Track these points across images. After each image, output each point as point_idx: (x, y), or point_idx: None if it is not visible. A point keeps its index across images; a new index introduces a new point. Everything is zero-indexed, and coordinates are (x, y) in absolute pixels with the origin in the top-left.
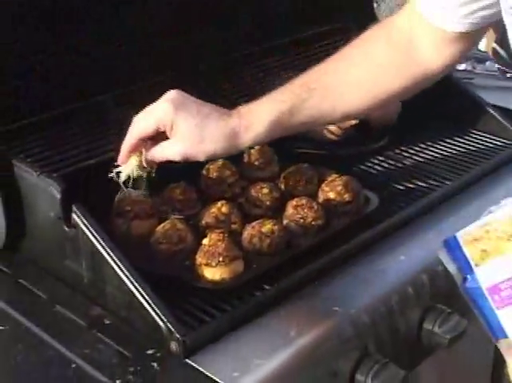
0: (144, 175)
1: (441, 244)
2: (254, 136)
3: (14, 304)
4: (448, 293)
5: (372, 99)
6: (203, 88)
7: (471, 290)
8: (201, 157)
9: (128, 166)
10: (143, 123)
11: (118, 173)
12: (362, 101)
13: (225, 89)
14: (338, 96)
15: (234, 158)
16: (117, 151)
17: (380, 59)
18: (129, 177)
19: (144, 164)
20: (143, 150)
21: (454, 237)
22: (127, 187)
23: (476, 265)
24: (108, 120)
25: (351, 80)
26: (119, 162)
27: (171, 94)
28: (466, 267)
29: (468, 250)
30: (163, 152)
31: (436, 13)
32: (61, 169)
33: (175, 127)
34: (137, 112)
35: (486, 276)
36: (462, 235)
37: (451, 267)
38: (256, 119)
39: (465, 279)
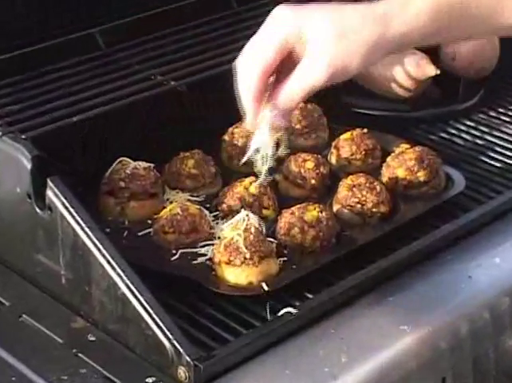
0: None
1: None
2: (412, 17)
3: None
4: None
5: None
6: None
7: None
8: (355, 63)
9: (260, 133)
10: (259, 56)
11: (255, 151)
12: None
13: None
14: None
15: None
16: (106, 103)
17: None
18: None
19: (277, 122)
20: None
21: None
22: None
23: None
24: (97, 63)
25: None
26: (249, 127)
27: (278, 9)
28: None
29: None
30: (304, 79)
31: None
32: (33, 129)
33: (307, 35)
34: (136, 55)
35: None
36: None
37: None
38: None
39: None
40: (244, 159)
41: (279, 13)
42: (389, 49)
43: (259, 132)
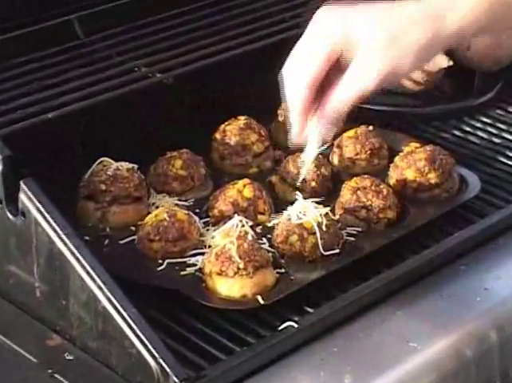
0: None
1: None
2: (466, 11)
3: None
4: None
5: None
6: None
7: None
8: (406, 66)
9: (311, 145)
10: (306, 66)
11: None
12: None
13: None
14: None
15: (264, 115)
16: (85, 98)
17: None
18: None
19: (327, 132)
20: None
21: None
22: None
23: None
24: (74, 54)
25: None
26: (295, 140)
27: (321, 12)
28: None
29: None
30: (354, 87)
31: None
32: (4, 126)
33: (354, 39)
34: (118, 44)
35: None
36: None
37: None
38: None
39: None
40: (301, 179)
41: (323, 17)
42: (442, 47)
43: (309, 145)
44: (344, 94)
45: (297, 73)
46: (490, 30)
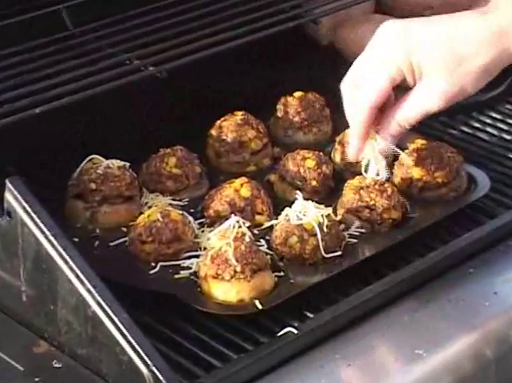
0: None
1: None
2: None
3: None
4: None
5: None
6: None
7: None
8: (471, 86)
9: (376, 161)
10: (368, 86)
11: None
12: None
13: None
14: None
15: (262, 111)
16: (74, 92)
17: None
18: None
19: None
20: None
21: None
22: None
23: None
24: (63, 46)
25: None
26: (352, 159)
27: (385, 29)
28: None
29: None
30: (419, 107)
31: None
32: None
33: (418, 62)
34: (109, 36)
35: None
36: None
37: None
38: None
39: None
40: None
41: (387, 36)
42: (508, 63)
43: (374, 161)
44: (410, 113)
45: (360, 94)
46: None
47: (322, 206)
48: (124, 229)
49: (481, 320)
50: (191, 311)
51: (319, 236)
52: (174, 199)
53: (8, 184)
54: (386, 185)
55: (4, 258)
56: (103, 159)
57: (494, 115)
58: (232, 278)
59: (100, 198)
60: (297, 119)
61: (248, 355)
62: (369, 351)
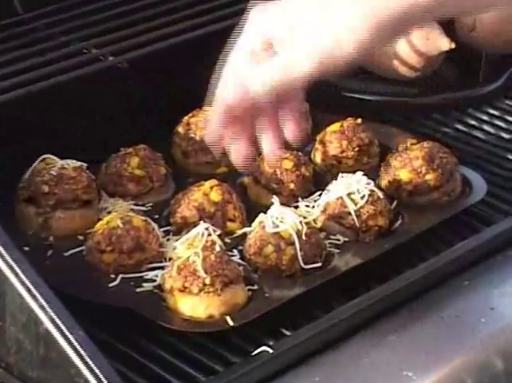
0: None
1: None
2: None
3: None
4: None
5: None
6: None
7: None
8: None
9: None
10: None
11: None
12: None
13: None
14: None
15: None
16: (25, 84)
17: None
18: None
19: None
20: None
21: None
22: None
23: None
24: (13, 33)
25: None
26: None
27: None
28: None
29: None
30: (287, 73)
31: None
32: None
33: (290, 26)
34: (63, 22)
35: None
36: None
37: None
38: None
39: None
40: None
41: (258, 17)
42: (389, 31)
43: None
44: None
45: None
46: (448, 10)
47: (301, 211)
48: (81, 237)
49: (476, 339)
50: (155, 328)
51: (297, 245)
52: (136, 204)
53: None
54: (372, 188)
55: None
56: (57, 160)
57: (492, 111)
58: (201, 291)
59: (54, 202)
60: None
61: (218, 377)
62: (352, 373)
